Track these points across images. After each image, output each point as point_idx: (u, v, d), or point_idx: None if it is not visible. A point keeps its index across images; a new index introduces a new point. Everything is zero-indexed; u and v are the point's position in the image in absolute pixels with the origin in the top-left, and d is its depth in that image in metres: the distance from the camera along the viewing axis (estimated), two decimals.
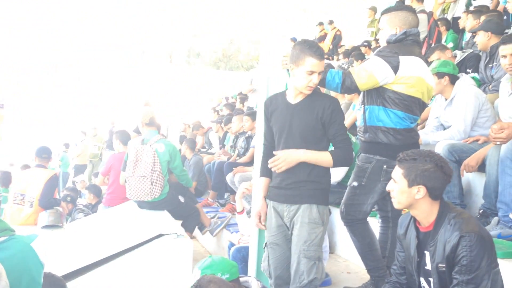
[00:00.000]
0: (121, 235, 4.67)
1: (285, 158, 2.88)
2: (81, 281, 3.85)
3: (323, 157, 2.90)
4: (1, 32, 22.41)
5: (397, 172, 2.41)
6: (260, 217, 3.10)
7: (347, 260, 4.47)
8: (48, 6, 21.99)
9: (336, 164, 2.93)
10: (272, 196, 3.04)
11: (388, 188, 2.49)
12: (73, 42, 24.91)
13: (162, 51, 28.81)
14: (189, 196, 5.88)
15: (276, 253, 3.00)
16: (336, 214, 4.34)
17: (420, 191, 2.33)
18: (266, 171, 3.12)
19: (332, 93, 4.87)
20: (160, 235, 4.10)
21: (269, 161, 2.95)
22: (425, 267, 2.37)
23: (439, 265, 2.27)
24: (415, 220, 2.45)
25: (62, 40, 25.07)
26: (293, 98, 2.98)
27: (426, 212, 2.37)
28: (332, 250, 4.58)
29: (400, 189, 2.38)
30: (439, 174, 2.32)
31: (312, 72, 2.83)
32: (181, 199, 5.61)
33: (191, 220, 5.55)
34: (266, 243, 3.08)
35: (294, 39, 13.09)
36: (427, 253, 2.36)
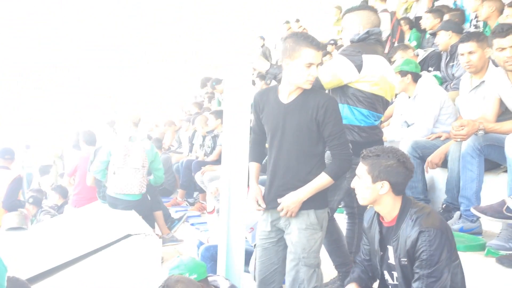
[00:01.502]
0: (88, 236, 4.61)
1: (288, 207, 2.73)
2: (47, 284, 3.78)
3: (321, 182, 2.72)
4: None
5: (361, 169, 2.45)
6: (257, 201, 2.91)
7: None
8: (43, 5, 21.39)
9: (337, 177, 2.76)
10: (267, 203, 2.88)
11: (352, 185, 2.53)
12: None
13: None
14: (156, 195, 5.86)
15: (263, 257, 2.89)
16: None
17: (384, 187, 2.37)
18: (255, 156, 3.06)
19: None
20: (128, 235, 4.06)
21: (281, 214, 2.78)
22: (388, 261, 2.43)
23: (402, 259, 2.33)
24: (378, 215, 2.51)
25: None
26: (286, 96, 2.79)
27: (389, 207, 2.42)
28: None
29: (365, 185, 2.42)
30: (401, 169, 2.37)
31: (310, 65, 2.65)
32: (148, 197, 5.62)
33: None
34: (255, 244, 3.01)
35: (262, 38, 13.18)
36: (390, 248, 2.41)
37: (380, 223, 2.50)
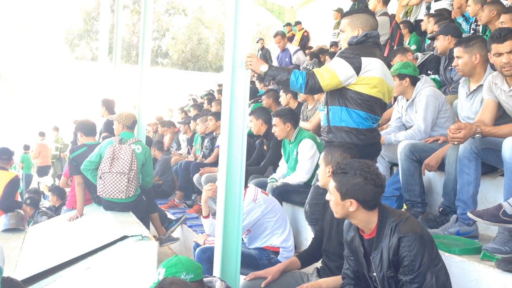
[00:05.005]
0: (84, 238, 4.60)
1: None
2: (43, 285, 3.78)
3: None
4: None
5: (331, 185, 2.41)
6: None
7: None
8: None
9: None
10: None
11: (326, 198, 2.51)
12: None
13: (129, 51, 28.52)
14: (151, 197, 5.85)
15: None
16: (301, 213, 4.38)
17: (352, 204, 2.34)
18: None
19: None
20: (125, 237, 4.06)
21: None
22: (374, 274, 2.40)
23: (387, 272, 2.30)
24: (358, 227, 2.48)
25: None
26: None
27: (364, 221, 2.39)
28: (297, 250, 4.61)
29: (335, 201, 2.40)
30: (369, 187, 2.31)
31: None
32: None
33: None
34: None
35: (261, 40, 13.19)
36: (373, 260, 2.38)
37: (361, 236, 2.47)
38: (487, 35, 5.36)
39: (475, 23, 6.17)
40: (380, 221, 2.35)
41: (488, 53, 3.27)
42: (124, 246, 3.99)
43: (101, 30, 9.04)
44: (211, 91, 13.08)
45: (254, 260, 3.85)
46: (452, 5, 7.13)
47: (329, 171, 3.04)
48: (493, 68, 3.39)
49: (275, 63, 9.77)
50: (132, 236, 4.07)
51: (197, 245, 4.19)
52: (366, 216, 2.37)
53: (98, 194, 5.20)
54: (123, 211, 5.15)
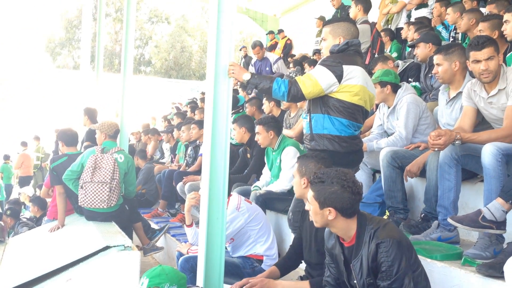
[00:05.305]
0: (66, 249, 4.54)
1: None
2: None
3: None
4: None
5: (310, 194, 2.45)
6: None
7: None
8: None
9: None
10: None
11: (306, 208, 2.54)
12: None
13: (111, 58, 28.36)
14: (134, 207, 5.80)
15: None
16: (284, 221, 4.38)
17: (331, 213, 2.36)
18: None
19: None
20: (107, 247, 4.00)
21: None
22: (354, 281, 2.42)
23: (367, 279, 2.31)
24: (338, 236, 2.50)
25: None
26: None
27: (344, 229, 2.41)
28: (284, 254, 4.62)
29: (314, 210, 2.42)
30: (346, 195, 2.34)
31: None
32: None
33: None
34: None
35: (244, 48, 13.22)
36: (353, 268, 2.40)
37: (341, 244, 2.49)
38: (466, 43, 5.45)
39: (454, 31, 6.27)
40: (359, 229, 2.38)
41: (467, 61, 3.33)
42: (107, 256, 3.93)
43: (83, 38, 8.97)
44: (194, 99, 13.06)
45: (237, 269, 3.84)
46: (432, 13, 7.25)
47: (304, 183, 3.07)
48: (472, 75, 3.44)
49: (251, 70, 9.75)
50: (115, 246, 4.01)
51: (181, 254, 4.16)
52: (345, 224, 2.39)
53: (79, 204, 5.14)
54: (105, 221, 5.09)
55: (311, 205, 2.44)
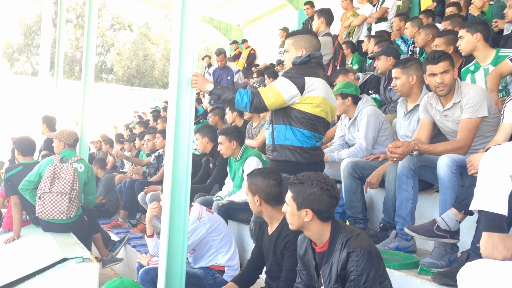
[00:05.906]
0: (22, 261, 4.39)
1: None
2: None
3: None
4: None
5: (288, 195, 2.49)
6: None
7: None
8: None
9: None
10: None
11: (282, 209, 2.57)
12: None
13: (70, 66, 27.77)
14: (94, 217, 5.67)
15: None
16: (246, 231, 4.39)
17: (308, 214, 2.40)
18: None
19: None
20: (64, 259, 3.90)
21: None
22: (322, 287, 2.44)
23: (334, 285, 2.35)
24: (311, 241, 2.53)
25: None
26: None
27: (318, 233, 2.45)
28: (243, 268, 4.60)
29: (291, 211, 2.46)
30: (325, 197, 2.40)
31: None
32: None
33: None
34: None
35: (208, 57, 13.21)
36: (322, 274, 2.43)
37: (313, 249, 2.52)
38: (423, 57, 5.63)
39: (412, 45, 6.47)
40: (332, 235, 2.42)
41: (424, 74, 3.44)
42: (64, 268, 3.83)
43: (42, 44, 8.78)
44: (157, 108, 12.93)
45: (199, 280, 3.81)
46: (391, 27, 7.46)
47: (257, 201, 3.08)
48: (429, 88, 3.56)
49: (208, 78, 9.72)
50: (73, 258, 3.92)
51: (141, 266, 4.10)
52: (320, 228, 2.43)
53: (36, 215, 4.99)
54: (63, 232, 4.97)
55: (288, 207, 2.47)
